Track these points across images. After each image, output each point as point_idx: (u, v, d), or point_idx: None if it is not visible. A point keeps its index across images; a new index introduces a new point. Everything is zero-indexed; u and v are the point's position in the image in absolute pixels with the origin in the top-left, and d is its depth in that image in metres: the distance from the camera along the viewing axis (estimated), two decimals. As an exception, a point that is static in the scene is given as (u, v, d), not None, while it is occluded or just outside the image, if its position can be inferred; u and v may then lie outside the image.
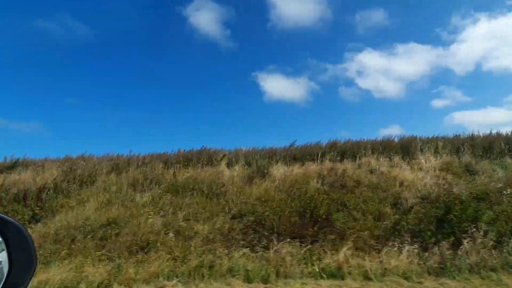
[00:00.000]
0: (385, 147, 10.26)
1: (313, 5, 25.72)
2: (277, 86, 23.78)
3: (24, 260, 1.08)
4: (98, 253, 5.82)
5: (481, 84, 25.70)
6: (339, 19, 25.66)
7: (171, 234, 6.34)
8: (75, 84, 24.28)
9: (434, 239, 5.98)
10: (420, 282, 5.13)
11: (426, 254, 5.69)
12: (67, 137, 22.83)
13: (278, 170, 9.21)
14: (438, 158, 9.32)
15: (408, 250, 5.72)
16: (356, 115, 25.20)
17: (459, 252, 5.58)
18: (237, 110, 25.25)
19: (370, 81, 24.90)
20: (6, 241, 1.08)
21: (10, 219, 1.10)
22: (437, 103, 24.75)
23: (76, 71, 24.31)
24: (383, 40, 25.95)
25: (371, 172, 8.73)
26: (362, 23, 25.06)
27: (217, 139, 25.45)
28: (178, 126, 24.03)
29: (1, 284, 1.04)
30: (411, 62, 24.57)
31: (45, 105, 23.33)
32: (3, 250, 1.07)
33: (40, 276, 4.98)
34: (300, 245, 6.00)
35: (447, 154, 9.53)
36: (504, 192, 6.75)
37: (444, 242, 5.77)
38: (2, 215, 1.08)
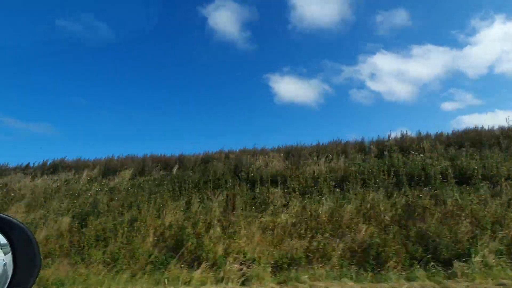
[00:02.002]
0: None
1: (335, 5, 25.42)
2: (289, 88, 23.64)
3: (28, 262, 1.10)
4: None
5: (493, 87, 25.18)
6: (360, 20, 25.31)
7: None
8: (86, 84, 24.51)
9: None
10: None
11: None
12: (76, 138, 23.07)
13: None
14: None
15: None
16: (366, 118, 24.86)
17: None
18: (247, 111, 25.20)
19: (382, 83, 24.56)
20: (11, 242, 1.09)
21: (15, 220, 1.11)
22: (447, 106, 24.28)
23: (90, 71, 24.52)
24: (401, 41, 25.54)
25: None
26: (383, 24, 24.69)
27: (225, 140, 25.38)
28: (186, 126, 24.13)
29: (6, 285, 1.06)
30: (425, 64, 24.13)
31: (54, 106, 23.62)
32: (8, 252, 1.09)
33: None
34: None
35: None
36: None
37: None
38: (7, 216, 1.10)
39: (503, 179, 7.84)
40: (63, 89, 23.84)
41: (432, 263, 5.46)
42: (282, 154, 11.19)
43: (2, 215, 1.10)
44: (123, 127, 24.42)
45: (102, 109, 24.35)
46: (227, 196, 8.26)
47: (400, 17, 24.77)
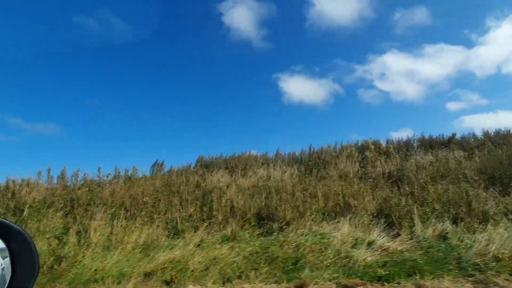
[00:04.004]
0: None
1: (355, 2, 24.92)
2: (299, 88, 23.33)
3: (26, 266, 1.09)
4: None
5: (500, 87, 25.02)
6: (379, 18, 24.78)
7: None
8: (96, 84, 23.98)
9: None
10: None
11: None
12: (82, 139, 22.98)
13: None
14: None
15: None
16: (371, 118, 24.66)
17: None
18: (247, 111, 25.04)
19: (391, 83, 24.33)
20: (9, 247, 1.09)
21: (13, 224, 1.10)
22: (452, 106, 24.12)
23: (100, 70, 23.98)
24: (416, 40, 24.88)
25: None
26: (401, 22, 24.28)
27: (226, 139, 25.20)
28: (187, 126, 24.03)
29: None
30: (436, 63, 23.94)
31: (56, 106, 23.22)
32: (6, 256, 1.08)
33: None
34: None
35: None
36: None
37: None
38: (5, 220, 1.09)
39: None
40: (69, 89, 23.63)
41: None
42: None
43: (0, 219, 1.10)
44: (128, 127, 24.23)
45: (112, 110, 23.96)
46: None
47: (420, 15, 24.34)
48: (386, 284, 4.68)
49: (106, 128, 22.83)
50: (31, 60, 21.01)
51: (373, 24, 24.76)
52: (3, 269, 1.08)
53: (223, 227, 6.80)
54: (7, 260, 1.08)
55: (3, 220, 1.10)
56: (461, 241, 5.70)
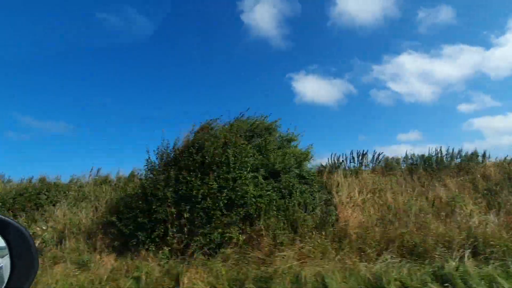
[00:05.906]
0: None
1: (380, 2, 24.05)
2: (312, 88, 22.82)
3: (25, 264, 1.07)
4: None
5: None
6: (404, 17, 24.10)
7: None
8: (99, 83, 23.69)
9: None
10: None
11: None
12: (86, 139, 22.87)
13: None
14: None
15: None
16: (382, 119, 24.31)
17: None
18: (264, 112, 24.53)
19: (405, 84, 23.94)
20: (8, 244, 1.07)
21: (12, 221, 1.09)
22: (464, 108, 23.71)
23: (118, 69, 23.69)
24: (436, 40, 24.35)
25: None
26: (424, 21, 23.78)
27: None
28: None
29: None
30: (453, 64, 23.47)
31: (69, 104, 22.99)
32: (5, 255, 1.06)
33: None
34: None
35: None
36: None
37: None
38: (4, 217, 1.08)
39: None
40: (69, 88, 23.47)
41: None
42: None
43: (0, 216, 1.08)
44: (128, 127, 24.07)
45: (113, 110, 23.70)
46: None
47: (444, 14, 23.61)
48: None
49: (106, 127, 22.76)
50: (33, 60, 21.06)
51: (397, 24, 24.03)
52: (1, 267, 1.06)
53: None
54: (6, 258, 1.07)
55: (2, 216, 1.08)
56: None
